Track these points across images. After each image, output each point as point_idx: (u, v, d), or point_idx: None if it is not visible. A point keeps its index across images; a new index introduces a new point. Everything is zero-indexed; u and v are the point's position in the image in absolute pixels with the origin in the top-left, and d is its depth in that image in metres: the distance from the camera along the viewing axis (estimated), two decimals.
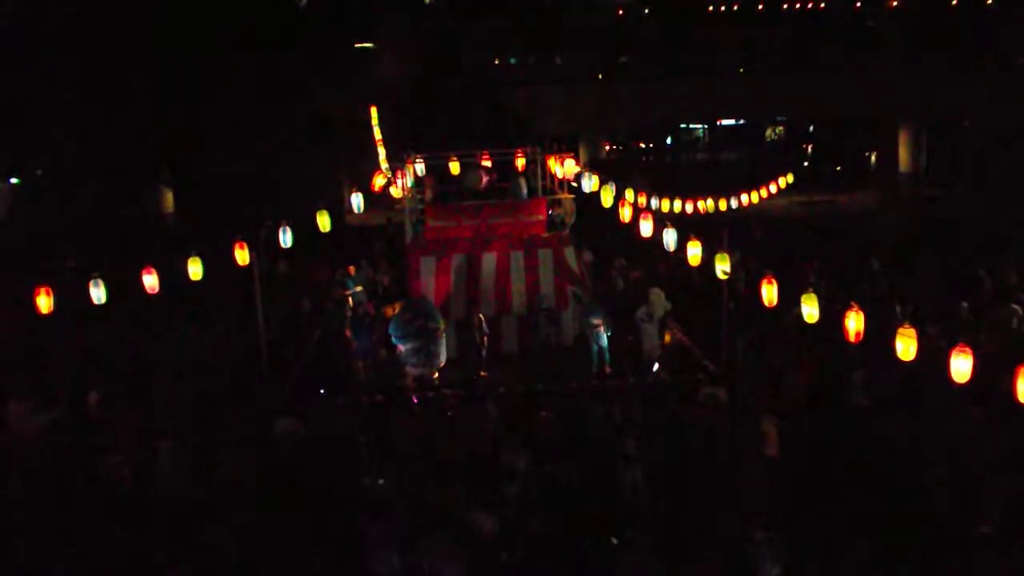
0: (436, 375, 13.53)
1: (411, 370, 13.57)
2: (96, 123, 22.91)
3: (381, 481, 9.30)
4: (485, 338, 14.02)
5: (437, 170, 16.83)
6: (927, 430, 10.38)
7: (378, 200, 16.50)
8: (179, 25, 23.53)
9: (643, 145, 43.24)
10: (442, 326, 13.47)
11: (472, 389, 12.58)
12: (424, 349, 13.28)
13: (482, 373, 13.73)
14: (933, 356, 9.59)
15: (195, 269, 11.99)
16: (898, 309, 13.72)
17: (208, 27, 23.93)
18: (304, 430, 10.71)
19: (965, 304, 14.56)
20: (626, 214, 13.27)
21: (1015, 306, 14.15)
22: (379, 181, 16.30)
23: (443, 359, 13.49)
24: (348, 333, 14.21)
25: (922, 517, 8.87)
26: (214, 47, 23.83)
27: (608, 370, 13.73)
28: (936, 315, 14.26)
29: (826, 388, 12.03)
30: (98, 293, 11.29)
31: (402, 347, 13.44)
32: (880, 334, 9.35)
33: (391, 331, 13.53)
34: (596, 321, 13.71)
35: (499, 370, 14.03)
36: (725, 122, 42.88)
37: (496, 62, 37.73)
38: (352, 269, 17.06)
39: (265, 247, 13.54)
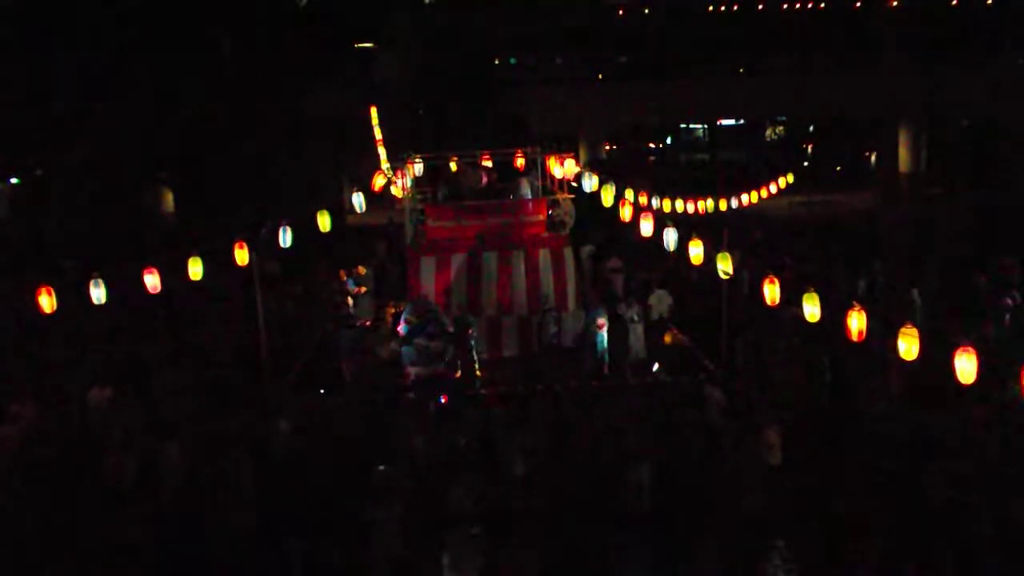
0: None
1: (412, 370, 13.56)
2: (96, 123, 22.89)
3: (382, 467, 9.36)
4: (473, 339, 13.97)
5: (446, 171, 16.83)
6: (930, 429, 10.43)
7: (378, 200, 16.47)
8: (180, 25, 23.51)
9: (651, 145, 43.26)
10: (448, 327, 13.48)
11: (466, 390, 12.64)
12: (427, 350, 13.27)
13: (478, 373, 13.71)
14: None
15: (195, 269, 11.98)
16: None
17: (209, 27, 23.91)
18: (299, 430, 10.76)
19: (915, 290, 14.98)
20: (626, 214, 13.27)
21: (1008, 300, 14.22)
22: (379, 181, 16.27)
23: (444, 361, 13.50)
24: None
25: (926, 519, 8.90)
26: (215, 47, 23.82)
27: (606, 370, 13.71)
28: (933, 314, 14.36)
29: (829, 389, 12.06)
30: (98, 293, 11.28)
31: (405, 347, 13.45)
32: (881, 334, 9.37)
33: (401, 329, 13.57)
34: (600, 321, 13.69)
35: (499, 370, 14.01)
36: (725, 122, 42.88)
37: (496, 62, 37.71)
38: (362, 269, 17.06)
39: (265, 247, 13.51)
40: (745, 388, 12.25)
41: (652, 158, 42.65)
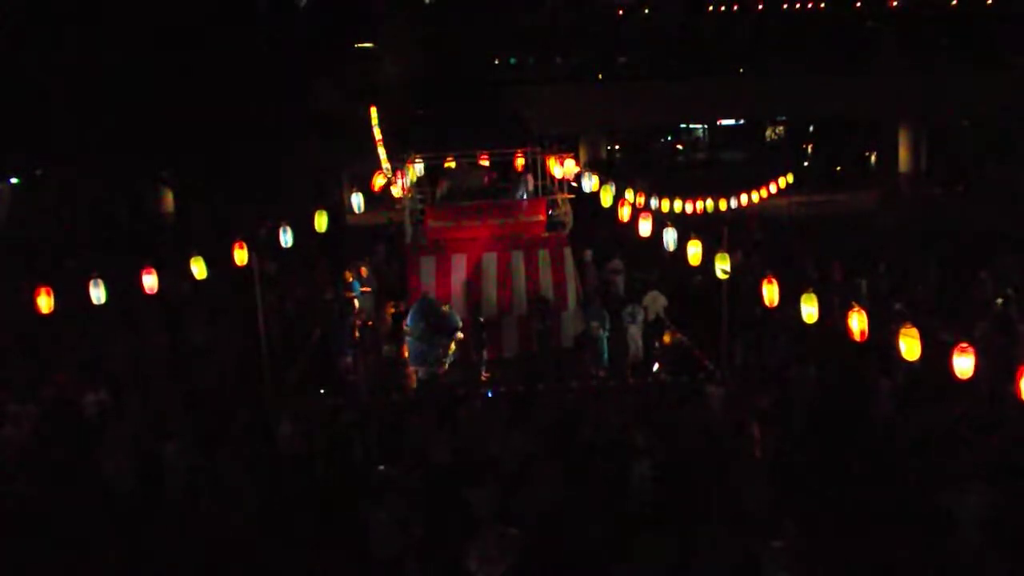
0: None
1: (415, 371, 13.57)
2: (96, 123, 22.87)
3: (381, 467, 9.36)
4: (485, 339, 14.01)
5: (445, 171, 16.85)
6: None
7: (378, 200, 16.46)
8: (179, 24, 23.50)
9: (679, 146, 43.35)
10: (459, 324, 13.51)
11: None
12: (432, 351, 13.28)
13: (485, 375, 13.72)
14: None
15: (198, 269, 11.98)
16: (897, 307, 13.77)
17: (208, 26, 23.90)
18: (301, 430, 10.77)
19: (863, 282, 15.85)
20: (625, 214, 13.28)
21: (998, 300, 14.26)
22: (379, 181, 16.28)
23: (448, 361, 13.53)
24: (356, 335, 14.16)
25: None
26: (215, 47, 23.80)
27: (603, 372, 13.72)
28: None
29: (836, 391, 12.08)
30: (98, 293, 11.28)
31: (409, 347, 13.46)
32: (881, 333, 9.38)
33: (405, 329, 13.60)
34: (595, 323, 13.70)
35: (499, 370, 14.02)
36: (725, 122, 42.89)
37: (496, 62, 37.73)
38: (364, 270, 17.04)
39: (264, 247, 13.51)
40: (740, 388, 12.26)
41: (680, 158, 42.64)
